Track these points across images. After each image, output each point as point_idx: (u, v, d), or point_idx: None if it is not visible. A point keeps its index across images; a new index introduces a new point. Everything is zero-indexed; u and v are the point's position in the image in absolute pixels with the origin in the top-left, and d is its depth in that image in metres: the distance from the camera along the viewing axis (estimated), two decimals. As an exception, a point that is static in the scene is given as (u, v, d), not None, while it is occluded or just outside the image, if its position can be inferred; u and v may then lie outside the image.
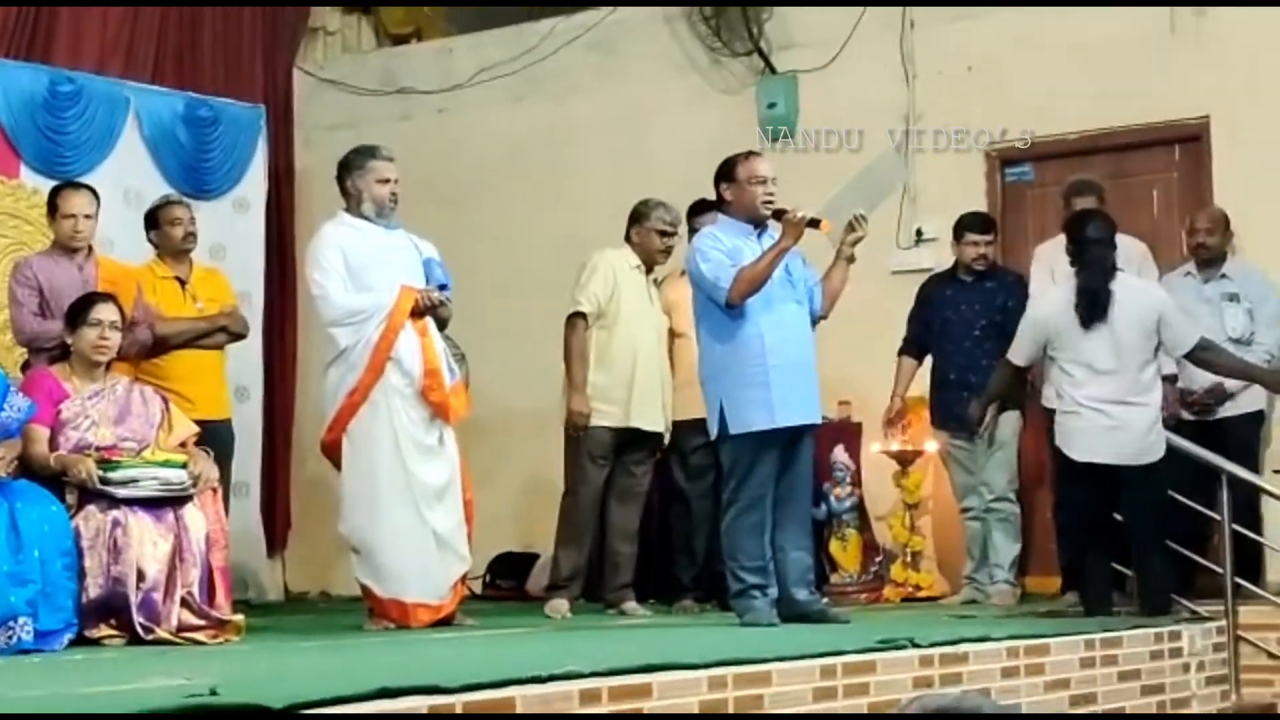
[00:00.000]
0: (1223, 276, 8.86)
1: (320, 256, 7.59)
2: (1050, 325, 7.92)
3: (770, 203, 7.22)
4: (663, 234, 8.71)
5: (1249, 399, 8.68)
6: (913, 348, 9.25)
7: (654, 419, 8.66)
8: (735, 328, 7.11)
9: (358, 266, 7.55)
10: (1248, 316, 8.74)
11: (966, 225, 9.17)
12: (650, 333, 8.69)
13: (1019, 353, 8.08)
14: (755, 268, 7.05)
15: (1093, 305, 7.80)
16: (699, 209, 8.79)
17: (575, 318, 8.59)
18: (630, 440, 8.66)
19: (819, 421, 7.42)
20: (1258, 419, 8.77)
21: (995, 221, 9.39)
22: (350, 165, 7.75)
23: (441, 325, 7.75)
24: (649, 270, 8.78)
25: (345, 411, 7.50)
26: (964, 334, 9.01)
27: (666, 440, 8.76)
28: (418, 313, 7.54)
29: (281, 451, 11.41)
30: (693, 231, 8.65)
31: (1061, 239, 8.67)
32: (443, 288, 7.68)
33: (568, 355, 8.61)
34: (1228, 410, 8.71)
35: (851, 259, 7.32)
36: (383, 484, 7.47)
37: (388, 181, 7.69)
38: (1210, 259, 8.88)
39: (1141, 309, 7.83)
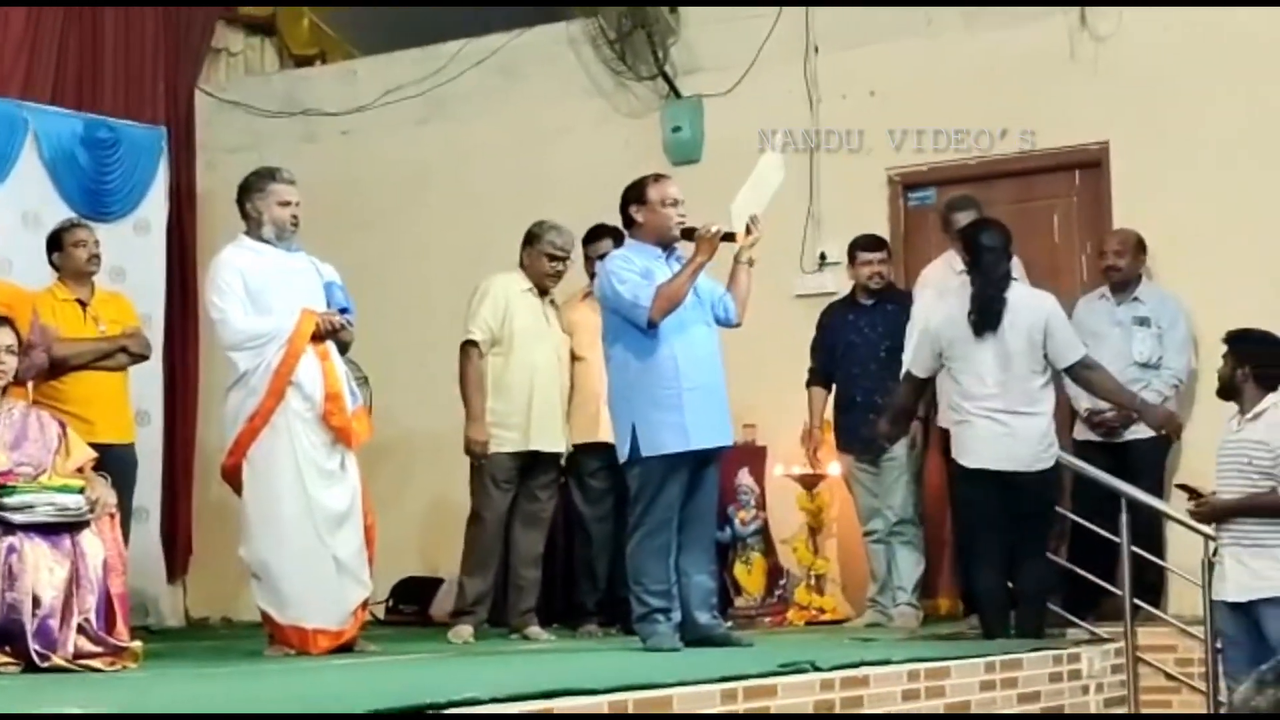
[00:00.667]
0: (1135, 299, 8.92)
1: (219, 280, 7.53)
2: (943, 335, 7.99)
3: (682, 224, 7.24)
4: (551, 258, 8.69)
5: None
6: (819, 377, 9.26)
7: (554, 440, 8.66)
8: (649, 350, 7.12)
9: (257, 290, 7.49)
10: (1156, 341, 8.79)
11: (859, 245, 9.24)
12: (548, 354, 8.68)
13: (917, 363, 8.16)
14: (673, 285, 7.07)
15: (985, 313, 7.89)
16: (594, 235, 8.81)
17: (468, 346, 8.60)
18: (533, 464, 8.65)
19: (730, 444, 7.46)
20: (1165, 442, 8.79)
21: (886, 241, 9.42)
22: (250, 188, 7.69)
23: (343, 349, 7.70)
24: (544, 292, 8.77)
25: (245, 436, 7.44)
26: (869, 356, 9.05)
27: (564, 460, 8.75)
28: (319, 336, 7.49)
29: (183, 476, 11.29)
30: (587, 259, 8.68)
31: (945, 260, 8.86)
32: (344, 311, 7.64)
33: (463, 384, 8.61)
34: (1135, 432, 8.73)
35: (751, 262, 7.35)
36: (283, 509, 7.41)
37: (288, 204, 7.64)
38: (1123, 281, 8.94)
39: (1030, 317, 7.91)
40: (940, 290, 8.67)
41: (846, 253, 9.29)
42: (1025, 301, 7.98)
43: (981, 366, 7.88)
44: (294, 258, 7.67)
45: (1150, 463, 8.75)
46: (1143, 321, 8.84)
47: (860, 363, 9.07)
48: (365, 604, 7.76)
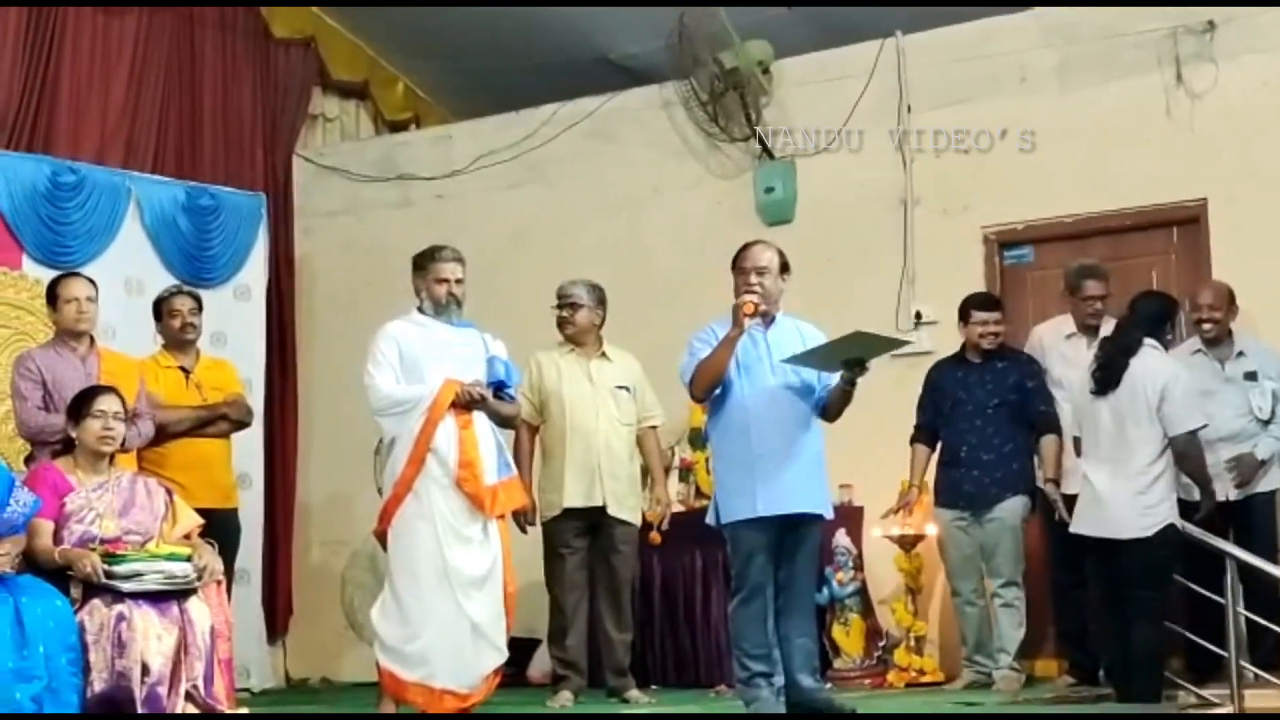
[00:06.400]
0: (1240, 355, 8.80)
1: (377, 350, 7.72)
2: (1073, 396, 8.08)
3: (751, 292, 7.15)
4: (557, 307, 8.94)
5: (1271, 477, 8.67)
6: (924, 434, 9.09)
7: (586, 495, 8.69)
8: (724, 416, 7.14)
9: (411, 360, 7.66)
10: (1272, 395, 8.67)
11: (973, 305, 9.08)
12: (585, 413, 8.75)
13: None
14: (707, 361, 7.06)
15: (1105, 371, 7.84)
16: None
17: (519, 422, 8.64)
18: (598, 525, 8.71)
19: (813, 511, 7.19)
20: (1272, 499, 8.71)
21: (1000, 300, 9.30)
22: (416, 265, 7.91)
23: (504, 423, 7.85)
24: (588, 347, 8.87)
25: (391, 504, 7.58)
26: (976, 413, 8.90)
27: (619, 513, 8.73)
28: (461, 405, 7.58)
29: (283, 538, 11.38)
30: None
31: (1056, 322, 8.98)
32: (503, 385, 7.75)
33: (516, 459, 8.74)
34: (1250, 488, 8.62)
35: (853, 386, 7.19)
36: (422, 572, 7.48)
37: (445, 281, 7.81)
38: (1217, 336, 8.82)
39: (1147, 380, 7.75)
40: (1046, 351, 8.93)
41: (958, 313, 9.09)
42: (1148, 365, 7.80)
43: (1096, 428, 7.86)
44: (459, 332, 7.84)
45: (1265, 519, 8.65)
46: (1251, 376, 8.73)
47: (968, 418, 8.90)
48: (498, 671, 7.74)
